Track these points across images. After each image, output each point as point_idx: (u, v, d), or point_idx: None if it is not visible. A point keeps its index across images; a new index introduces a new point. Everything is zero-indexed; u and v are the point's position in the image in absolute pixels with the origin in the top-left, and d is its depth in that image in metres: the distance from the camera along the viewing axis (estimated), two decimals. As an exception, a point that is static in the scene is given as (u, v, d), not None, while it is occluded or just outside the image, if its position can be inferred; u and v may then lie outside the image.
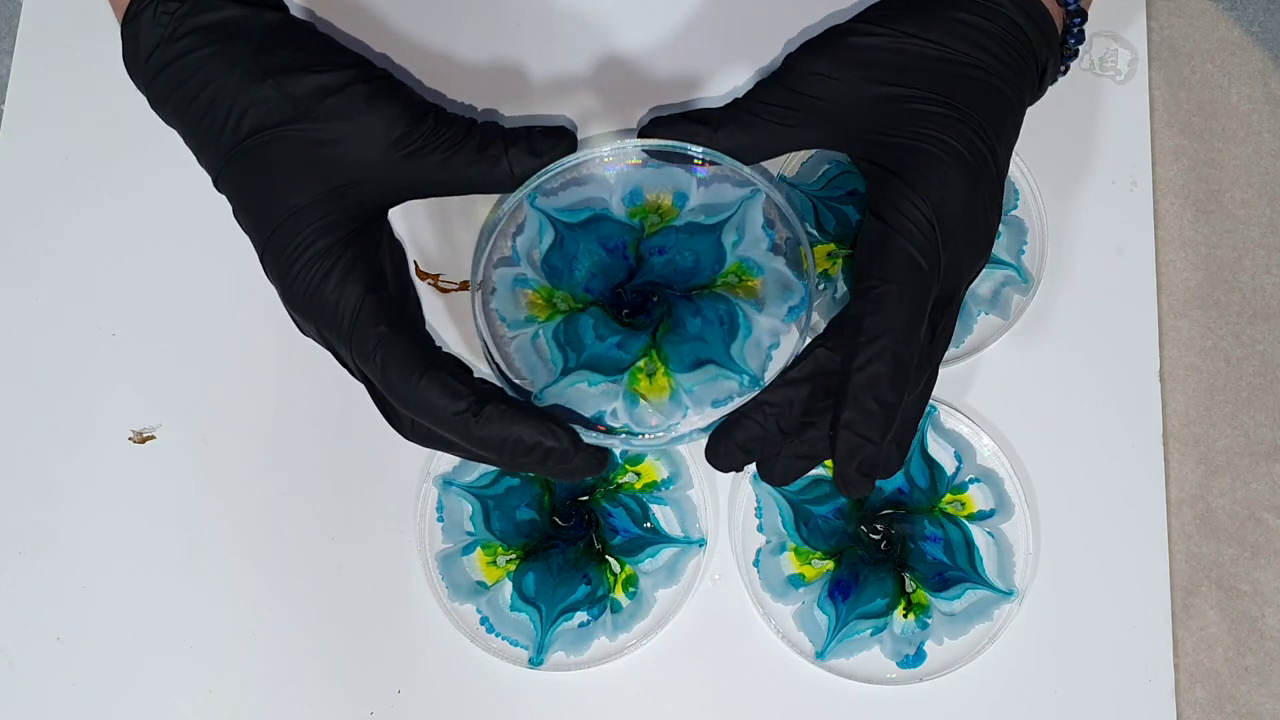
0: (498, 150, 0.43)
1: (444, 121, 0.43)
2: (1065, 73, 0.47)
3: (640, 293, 0.45)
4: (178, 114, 0.44)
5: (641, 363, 0.44)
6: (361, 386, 0.45)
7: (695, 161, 0.45)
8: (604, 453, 0.43)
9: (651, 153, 0.45)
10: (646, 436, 0.44)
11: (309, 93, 0.42)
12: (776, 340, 0.44)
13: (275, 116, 0.43)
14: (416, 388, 0.41)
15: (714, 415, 0.43)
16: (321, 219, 0.42)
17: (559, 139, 0.44)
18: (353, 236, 0.43)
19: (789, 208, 0.45)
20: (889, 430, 0.41)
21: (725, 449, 0.42)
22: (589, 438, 0.43)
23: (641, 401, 0.44)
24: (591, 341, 0.44)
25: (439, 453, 0.51)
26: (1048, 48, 0.44)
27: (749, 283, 0.45)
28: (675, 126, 0.44)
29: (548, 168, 0.44)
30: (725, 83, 0.53)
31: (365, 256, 0.43)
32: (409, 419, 0.44)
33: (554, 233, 0.46)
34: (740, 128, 0.44)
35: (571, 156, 0.44)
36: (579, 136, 0.51)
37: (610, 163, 0.46)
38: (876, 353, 0.40)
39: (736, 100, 0.45)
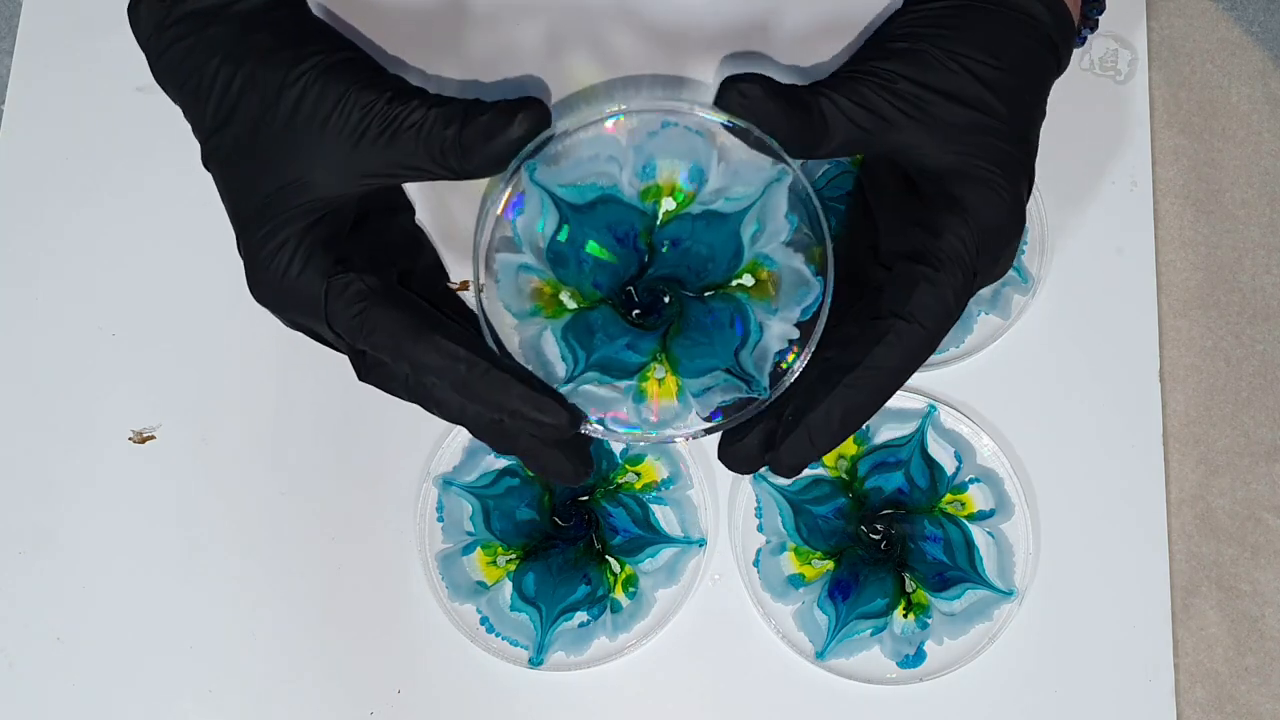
0: (454, 132, 0.41)
1: (400, 100, 0.41)
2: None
3: (651, 291, 0.43)
4: (175, 98, 0.44)
5: (651, 367, 0.43)
6: (359, 385, 0.45)
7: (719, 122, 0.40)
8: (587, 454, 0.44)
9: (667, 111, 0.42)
10: (652, 435, 0.43)
11: (274, 80, 0.42)
12: (786, 345, 0.43)
13: (243, 104, 0.42)
14: (412, 350, 0.41)
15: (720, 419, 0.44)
16: (283, 211, 0.42)
17: (511, 116, 0.40)
18: (318, 223, 0.42)
19: (813, 192, 0.42)
20: (835, 446, 0.42)
21: (737, 453, 0.43)
22: (591, 431, 0.43)
23: (648, 402, 0.44)
24: (601, 342, 0.43)
25: (439, 453, 0.51)
26: (1068, 57, 0.45)
27: (763, 280, 0.43)
28: (767, 103, 0.40)
29: (544, 135, 0.40)
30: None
31: (330, 242, 0.42)
32: (400, 376, 0.43)
33: (558, 215, 0.42)
34: (825, 119, 0.41)
35: (573, 121, 0.41)
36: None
37: (620, 125, 0.42)
38: (869, 380, 0.41)
39: (822, 86, 0.42)
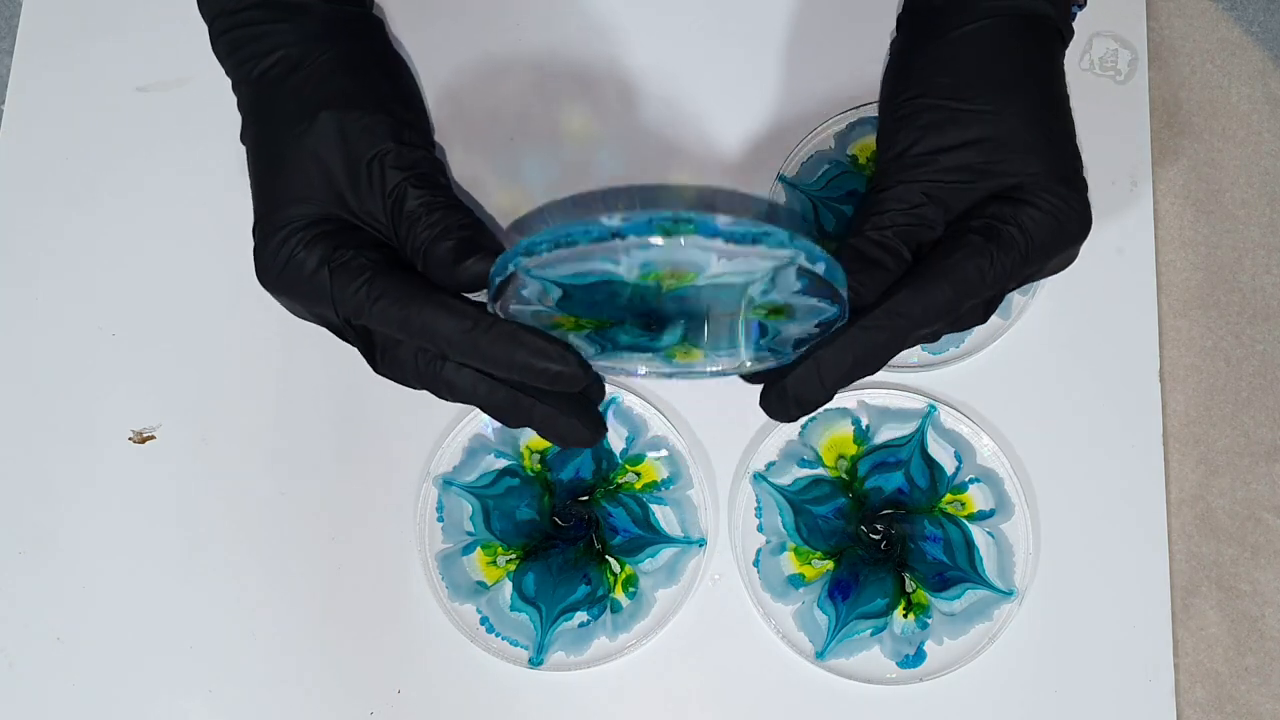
0: (425, 242, 0.42)
1: (414, 183, 0.43)
2: None
3: (664, 316, 0.42)
4: (226, 71, 0.45)
5: (677, 348, 0.43)
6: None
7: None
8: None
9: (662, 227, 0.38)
10: (688, 368, 0.43)
11: (313, 104, 0.43)
12: (807, 335, 0.42)
13: (280, 109, 0.43)
14: (420, 313, 0.40)
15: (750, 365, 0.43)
16: (290, 212, 0.43)
17: (459, 261, 0.42)
18: (323, 221, 0.43)
19: (827, 257, 0.38)
20: (841, 387, 0.41)
21: (778, 398, 0.42)
22: (613, 369, 0.43)
23: (676, 360, 0.44)
24: (624, 338, 0.43)
25: (439, 453, 0.51)
26: (1070, 31, 0.46)
27: (778, 309, 0.42)
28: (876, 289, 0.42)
29: (538, 247, 0.37)
30: (726, 81, 0.53)
31: (334, 233, 0.43)
32: (409, 361, 0.42)
33: (561, 290, 0.40)
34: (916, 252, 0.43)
35: (569, 235, 0.37)
36: (581, 133, 0.51)
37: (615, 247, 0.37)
38: (885, 323, 0.40)
39: (875, 229, 0.42)
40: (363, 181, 0.43)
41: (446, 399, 0.43)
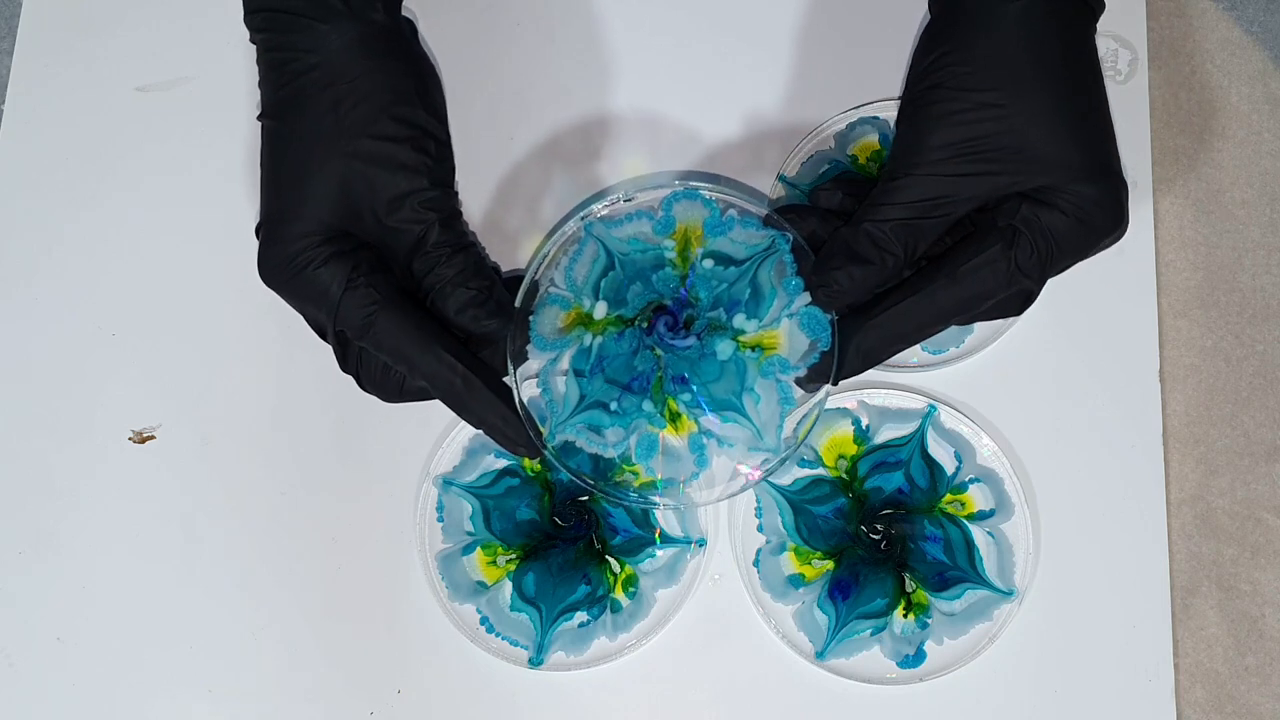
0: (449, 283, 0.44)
1: (444, 227, 0.44)
2: None
3: (683, 307, 0.46)
4: (258, 50, 0.45)
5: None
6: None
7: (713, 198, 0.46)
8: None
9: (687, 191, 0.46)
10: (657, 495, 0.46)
11: (352, 122, 0.43)
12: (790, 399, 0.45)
13: (317, 119, 0.43)
14: (417, 357, 0.43)
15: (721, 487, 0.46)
16: (314, 216, 0.43)
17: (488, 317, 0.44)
18: (343, 238, 0.44)
19: (807, 248, 0.45)
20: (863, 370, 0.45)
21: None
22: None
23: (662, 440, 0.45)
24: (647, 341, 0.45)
25: (439, 453, 0.51)
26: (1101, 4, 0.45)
27: (770, 340, 0.45)
28: (857, 285, 0.44)
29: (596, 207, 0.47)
30: (727, 81, 0.53)
31: (353, 251, 0.43)
32: (374, 374, 0.45)
33: (606, 259, 0.47)
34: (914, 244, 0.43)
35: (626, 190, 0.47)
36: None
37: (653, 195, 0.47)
38: (882, 327, 0.44)
39: (863, 235, 0.43)
40: (389, 212, 0.43)
41: (395, 401, 0.46)
